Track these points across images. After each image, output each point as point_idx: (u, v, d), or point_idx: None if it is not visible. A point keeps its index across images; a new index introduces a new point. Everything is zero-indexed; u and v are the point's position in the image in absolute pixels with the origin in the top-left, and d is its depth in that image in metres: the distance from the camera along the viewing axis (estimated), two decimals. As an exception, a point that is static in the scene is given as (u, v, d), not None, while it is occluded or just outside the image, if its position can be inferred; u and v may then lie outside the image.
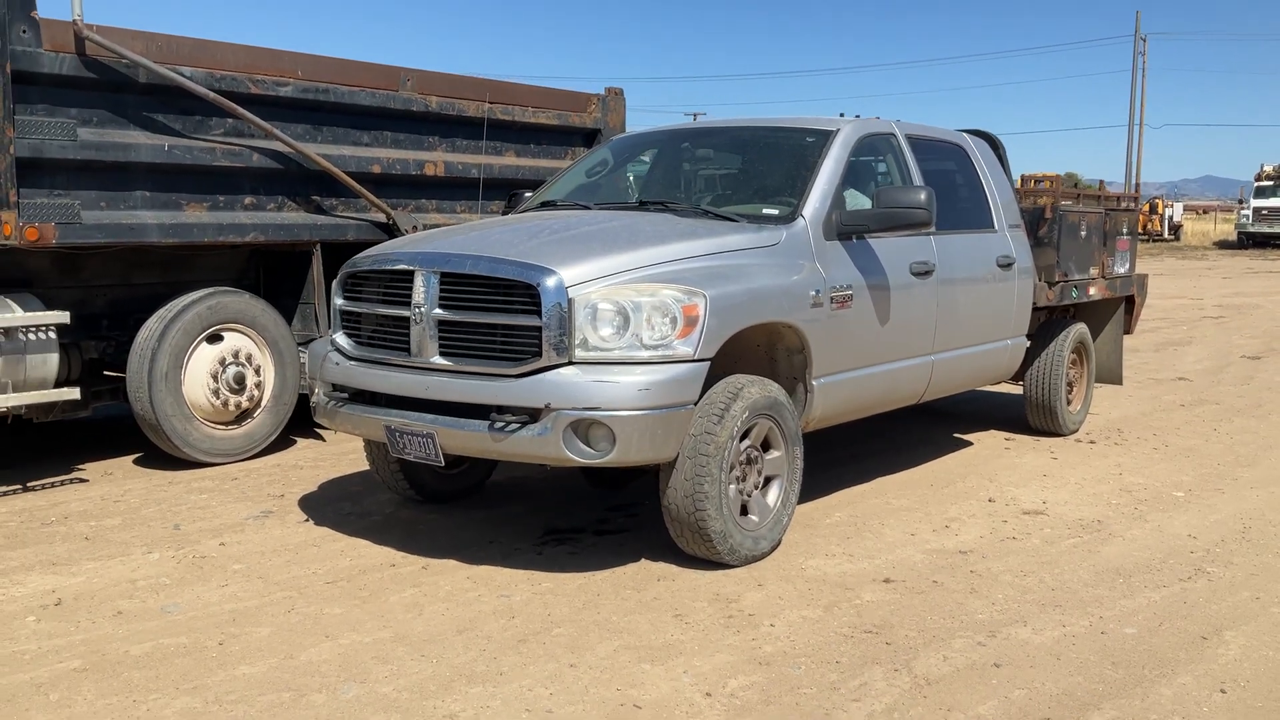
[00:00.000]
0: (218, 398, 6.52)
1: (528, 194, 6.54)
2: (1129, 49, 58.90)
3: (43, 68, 5.80)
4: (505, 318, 4.51)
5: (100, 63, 6.02)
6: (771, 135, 6.23)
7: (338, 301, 5.18)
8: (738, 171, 6.24)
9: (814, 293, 5.08)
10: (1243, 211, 43.14)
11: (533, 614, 4.24)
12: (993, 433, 7.77)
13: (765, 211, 5.41)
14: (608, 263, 4.56)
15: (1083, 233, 7.61)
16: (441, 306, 4.64)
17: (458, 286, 4.62)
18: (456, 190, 7.88)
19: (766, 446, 4.95)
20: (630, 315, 4.40)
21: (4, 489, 6.02)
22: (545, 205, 6.10)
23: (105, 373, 6.76)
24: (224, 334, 6.59)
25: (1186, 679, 3.73)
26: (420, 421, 4.63)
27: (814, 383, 5.20)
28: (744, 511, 4.83)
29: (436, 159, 7.68)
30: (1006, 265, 6.67)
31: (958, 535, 5.33)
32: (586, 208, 5.82)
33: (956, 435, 7.67)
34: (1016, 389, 7.97)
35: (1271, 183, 41.93)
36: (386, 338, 4.89)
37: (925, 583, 4.64)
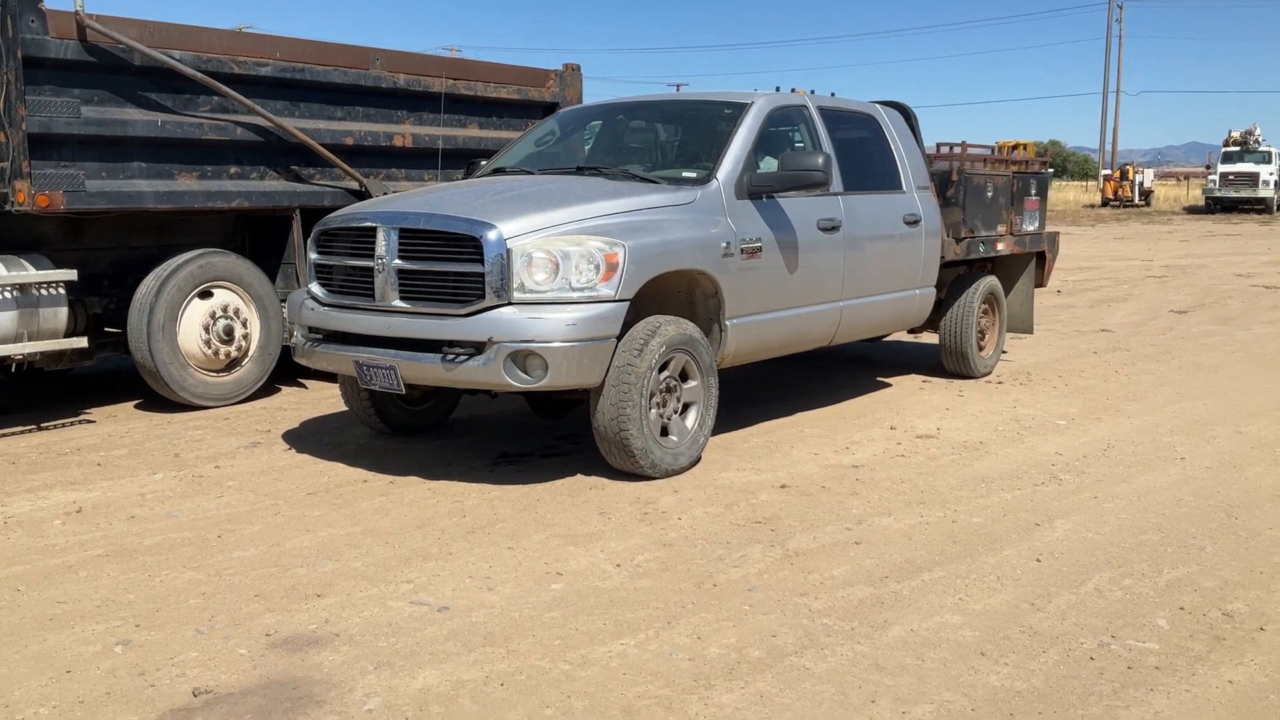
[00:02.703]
0: (209, 348, 7.28)
1: (484, 162, 7.31)
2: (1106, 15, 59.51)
3: (49, 53, 6.52)
4: (454, 266, 5.26)
5: (100, 48, 6.75)
6: (695, 108, 7.08)
7: (312, 255, 5.93)
8: (665, 140, 6.99)
9: (725, 244, 5.85)
10: (1210, 177, 43.98)
11: (481, 514, 5.05)
12: (912, 377, 8.59)
13: (684, 175, 6.15)
14: (542, 218, 5.32)
15: (989, 193, 8.40)
16: (401, 257, 5.40)
17: (414, 240, 5.38)
18: (423, 160, 8.62)
19: (685, 377, 5.74)
20: (560, 263, 5.16)
21: (21, 428, 6.79)
22: (497, 171, 6.87)
23: (106, 329, 7.52)
24: (214, 290, 7.35)
25: (1010, 552, 4.57)
26: (384, 356, 5.42)
27: (727, 323, 5.96)
28: (665, 433, 5.64)
29: (405, 131, 8.42)
30: (913, 223, 7.44)
31: (854, 454, 6.16)
32: (530, 173, 6.60)
33: (878, 379, 8.48)
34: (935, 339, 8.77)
35: (1238, 148, 42.81)
36: (354, 286, 5.65)
37: (815, 488, 5.48)
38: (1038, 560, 4.47)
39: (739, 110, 6.49)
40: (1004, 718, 3.18)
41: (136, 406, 7.46)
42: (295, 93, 7.78)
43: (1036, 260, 9.28)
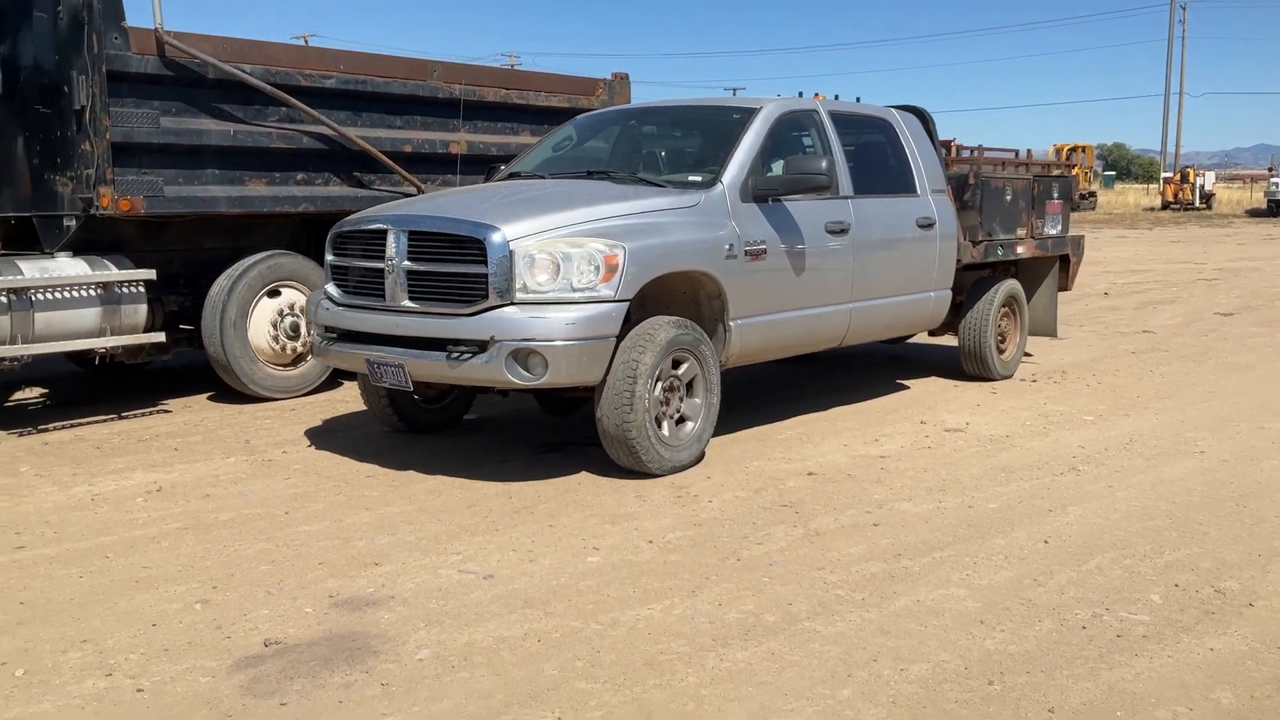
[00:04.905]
0: (277, 343, 7.75)
1: (503, 166, 7.61)
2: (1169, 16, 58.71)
3: (131, 68, 7.02)
4: (460, 267, 5.45)
5: (177, 63, 7.24)
6: (705, 113, 7.31)
7: (328, 257, 6.14)
8: (676, 145, 7.21)
9: (728, 246, 5.99)
10: (1273, 179, 43.39)
11: (525, 496, 5.43)
12: (949, 376, 8.82)
13: (690, 178, 6.32)
14: (545, 221, 5.50)
15: (1008, 197, 8.49)
16: (410, 259, 5.59)
17: (422, 242, 5.58)
18: (478, 166, 9.00)
19: (688, 376, 5.86)
20: (561, 264, 5.32)
21: (103, 417, 7.30)
22: (513, 175, 7.09)
23: (181, 325, 8.02)
24: (281, 289, 7.82)
25: (1020, 534, 4.85)
26: (393, 354, 5.61)
27: (731, 324, 6.09)
28: (669, 429, 5.78)
29: (460, 139, 8.85)
30: (927, 226, 7.55)
31: (882, 446, 6.46)
32: (542, 177, 6.81)
33: (914, 378, 8.73)
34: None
35: (1303, 150, 42.14)
36: (367, 286, 5.86)
37: (841, 475, 5.79)
38: (1045, 542, 4.75)
39: (747, 115, 6.65)
40: (994, 675, 3.48)
41: (209, 398, 7.95)
42: (357, 103, 8.23)
43: (1060, 264, 9.29)
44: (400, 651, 3.66)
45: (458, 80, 8.84)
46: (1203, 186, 47.32)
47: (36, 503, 5.39)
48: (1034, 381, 8.56)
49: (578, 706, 3.28)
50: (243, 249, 7.93)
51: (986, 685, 3.42)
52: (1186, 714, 3.26)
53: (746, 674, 3.49)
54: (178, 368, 9.19)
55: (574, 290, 5.34)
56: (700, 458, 6.00)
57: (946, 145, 9.54)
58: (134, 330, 7.23)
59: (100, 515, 5.18)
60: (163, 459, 6.21)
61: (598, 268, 5.35)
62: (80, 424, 7.10)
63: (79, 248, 7.17)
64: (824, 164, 6.20)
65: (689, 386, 5.91)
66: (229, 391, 7.82)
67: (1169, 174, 51.47)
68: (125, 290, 7.16)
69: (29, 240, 7.47)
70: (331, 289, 6.13)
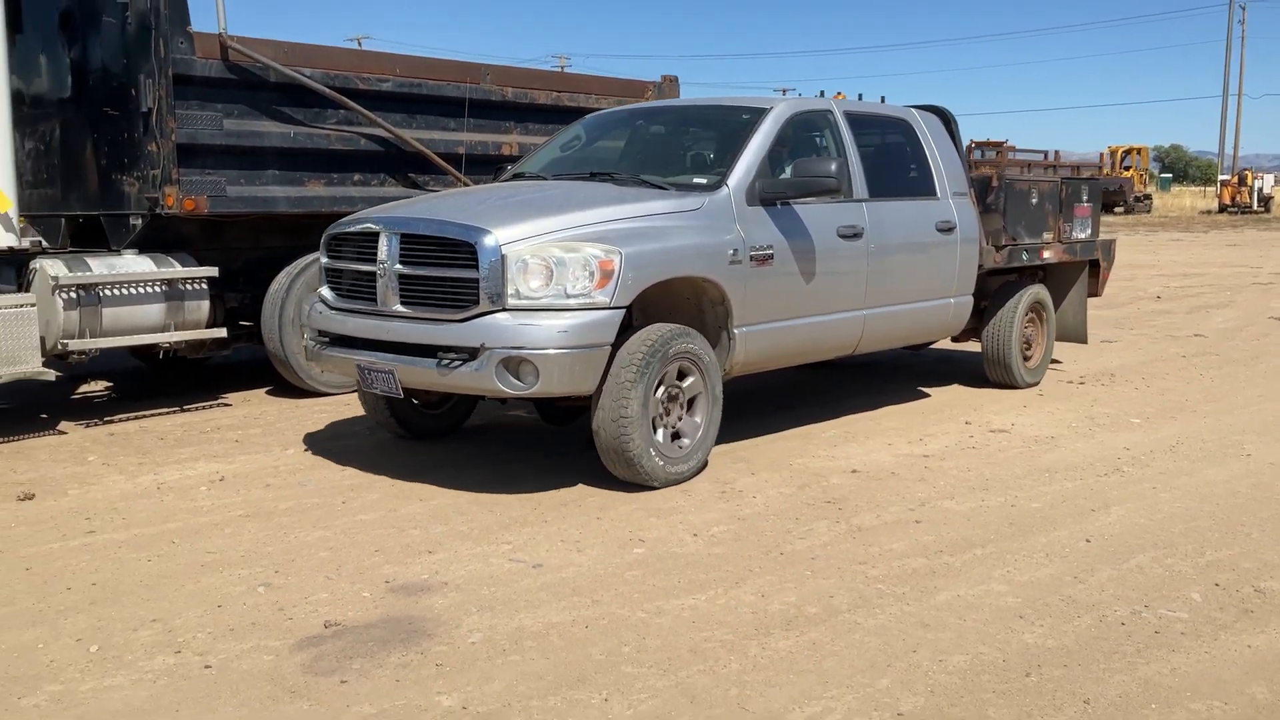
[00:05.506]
0: (332, 339, 7.95)
1: (509, 166, 7.49)
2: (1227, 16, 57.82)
3: (196, 71, 7.25)
4: (452, 271, 5.28)
5: (240, 66, 7.46)
6: (714, 113, 7.12)
7: (323, 259, 6.00)
8: (684, 145, 7.00)
9: (732, 251, 5.78)
10: (1335, 182, 42.56)
11: (573, 490, 5.56)
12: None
13: (695, 180, 6.12)
14: (539, 224, 5.34)
15: (1033, 200, 8.27)
16: (402, 262, 5.44)
17: (414, 245, 5.42)
18: (529, 167, 9.20)
19: (688, 385, 5.67)
20: (554, 269, 5.14)
21: (166, 409, 7.54)
22: (517, 176, 6.92)
23: (241, 321, 8.25)
24: (337, 287, 8.02)
25: (1062, 533, 4.90)
26: (384, 360, 5.47)
27: (735, 331, 5.90)
28: (670, 439, 5.60)
29: (512, 140, 9.01)
30: (947, 230, 7.32)
31: (926, 445, 6.52)
32: (544, 178, 6.67)
33: (961, 380, 8.75)
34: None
35: (1365, 153, 41.26)
36: (359, 289, 5.71)
37: (885, 473, 5.86)
38: (1087, 541, 4.80)
39: (757, 116, 6.46)
40: (1031, 668, 3.55)
41: (267, 392, 8.17)
42: (413, 106, 8.42)
43: (1090, 269, 9.04)
44: (453, 635, 3.80)
45: (510, 83, 9.00)
46: (1261, 189, 46.51)
47: (105, 490, 5.61)
48: (1081, 384, 8.55)
49: (624, 689, 3.40)
50: (301, 248, 8.11)
51: (1024, 677, 3.49)
52: (1221, 708, 3.31)
53: (788, 662, 3.59)
54: (236, 363, 9.43)
55: (568, 296, 5.17)
56: (702, 468, 5.82)
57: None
58: (197, 326, 7.46)
59: (166, 503, 5.38)
60: (224, 450, 6.42)
61: (592, 273, 5.18)
62: (144, 416, 7.34)
63: (144, 245, 7.42)
64: (833, 166, 6.03)
65: (690, 397, 5.72)
66: (286, 386, 8.03)
67: (1226, 176, 50.67)
68: (189, 287, 7.39)
69: (97, 238, 7.74)
70: (326, 292, 5.99)
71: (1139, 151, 50.32)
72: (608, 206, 5.64)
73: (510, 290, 5.16)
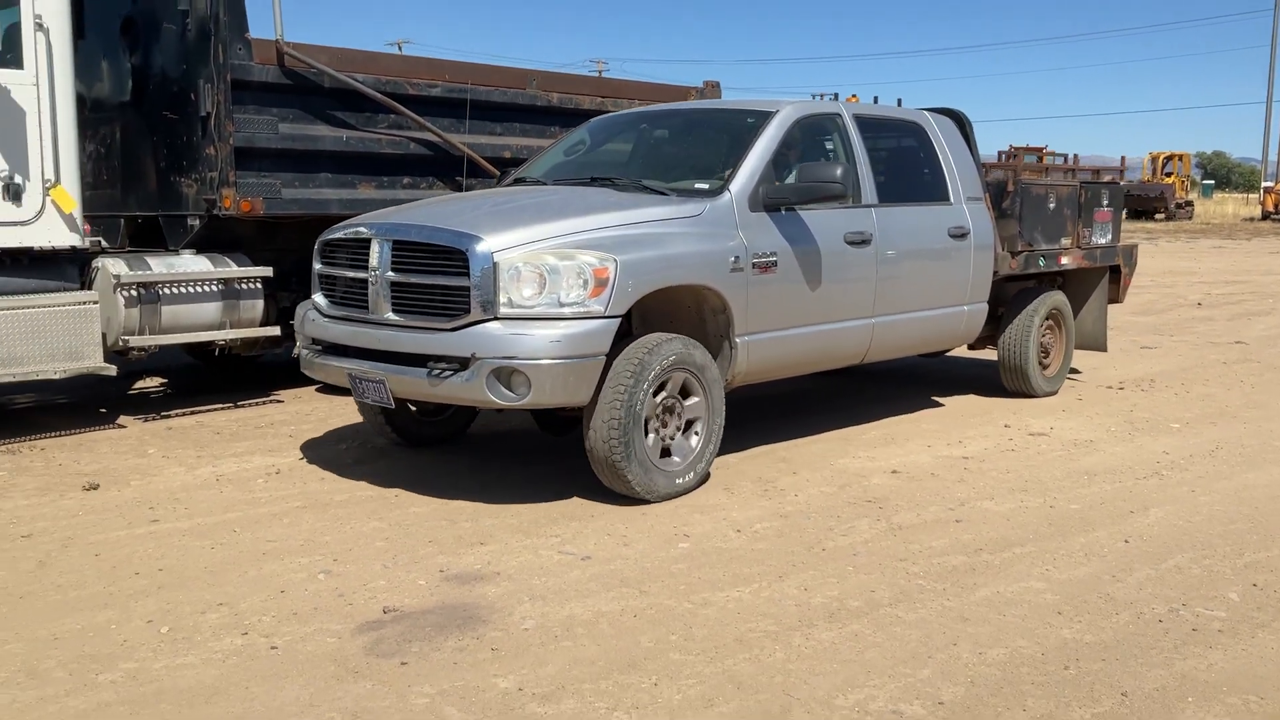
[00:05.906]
0: (381, 339, 8.13)
1: (513, 171, 7.47)
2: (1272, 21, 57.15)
3: (253, 77, 7.46)
4: (443, 279, 5.17)
5: (295, 72, 7.66)
6: (718, 116, 7.08)
7: (316, 266, 5.91)
8: (687, 149, 6.90)
9: (734, 259, 5.64)
10: (1381, 190, 41.96)
11: (619, 486, 5.69)
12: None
13: (697, 186, 5.96)
14: (533, 231, 5.21)
15: (1051, 205, 8.10)
16: (393, 270, 5.34)
17: (406, 252, 5.32)
18: (574, 171, 9.35)
19: (687, 396, 5.54)
20: (547, 277, 5.02)
21: (220, 405, 7.76)
22: (517, 181, 6.85)
23: (292, 321, 8.43)
24: (386, 288, 8.20)
25: (1101, 534, 4.98)
26: (375, 369, 5.38)
27: (738, 340, 5.75)
28: (666, 454, 5.45)
29: (557, 145, 9.17)
30: (961, 236, 7.18)
31: (966, 447, 6.60)
32: (543, 183, 6.57)
33: (997, 389, 8.79)
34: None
35: None
36: (352, 297, 5.60)
37: (925, 474, 5.95)
38: (1125, 541, 4.87)
39: (762, 119, 6.33)
40: (1070, 661, 3.65)
41: (317, 390, 8.37)
42: (460, 110, 8.59)
43: (1110, 275, 8.87)
44: (507, 622, 3.94)
45: (555, 89, 9.16)
46: (1306, 196, 45.90)
47: (165, 482, 5.81)
48: (1121, 389, 8.59)
49: (673, 674, 3.53)
50: (351, 249, 8.32)
51: (1062, 670, 3.59)
52: (1258, 703, 3.39)
53: (831, 652, 3.71)
54: (287, 361, 9.64)
55: (561, 305, 5.05)
56: (704, 481, 5.68)
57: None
58: (251, 324, 7.66)
59: (225, 494, 5.57)
60: (279, 444, 6.61)
61: (586, 281, 5.05)
62: (200, 411, 7.56)
63: (201, 246, 7.63)
64: (839, 172, 5.88)
65: (689, 408, 5.57)
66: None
67: (1269, 183, 50.06)
68: (244, 286, 7.59)
69: (154, 238, 7.97)
70: (319, 299, 5.89)
71: (1180, 158, 49.81)
72: (605, 213, 5.53)
73: (502, 299, 5.05)
